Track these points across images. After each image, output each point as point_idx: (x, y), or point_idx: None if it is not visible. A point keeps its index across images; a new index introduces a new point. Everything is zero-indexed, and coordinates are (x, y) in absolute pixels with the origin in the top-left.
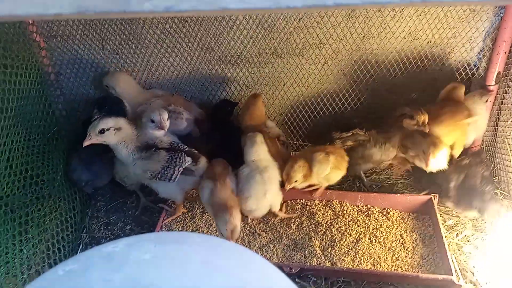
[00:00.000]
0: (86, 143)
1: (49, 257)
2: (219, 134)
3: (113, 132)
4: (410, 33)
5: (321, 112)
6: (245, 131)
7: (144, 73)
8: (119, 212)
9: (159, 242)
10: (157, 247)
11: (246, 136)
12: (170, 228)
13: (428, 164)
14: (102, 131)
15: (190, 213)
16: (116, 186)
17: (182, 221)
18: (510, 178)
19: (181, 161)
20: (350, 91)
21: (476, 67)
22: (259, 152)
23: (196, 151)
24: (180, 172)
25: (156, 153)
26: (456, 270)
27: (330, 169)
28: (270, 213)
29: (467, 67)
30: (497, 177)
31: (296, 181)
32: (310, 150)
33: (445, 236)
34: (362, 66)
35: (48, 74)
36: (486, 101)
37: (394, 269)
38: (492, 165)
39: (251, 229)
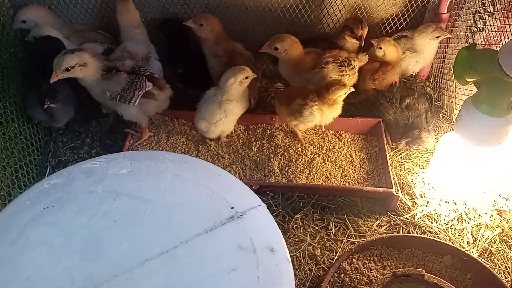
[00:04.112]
0: (53, 80)
1: (19, 179)
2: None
3: (78, 68)
4: None
5: None
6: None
7: None
8: (83, 136)
9: (134, 159)
10: (133, 163)
11: (233, 68)
12: None
13: None
14: (67, 69)
15: (155, 137)
16: (78, 114)
17: (148, 145)
18: (452, 102)
19: (141, 85)
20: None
21: None
22: (232, 86)
23: (158, 76)
24: (140, 96)
25: (117, 75)
26: (395, 184)
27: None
28: (233, 137)
29: None
30: (441, 101)
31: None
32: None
33: (389, 155)
34: None
35: None
36: (437, 37)
37: (343, 184)
38: (438, 90)
39: (214, 152)
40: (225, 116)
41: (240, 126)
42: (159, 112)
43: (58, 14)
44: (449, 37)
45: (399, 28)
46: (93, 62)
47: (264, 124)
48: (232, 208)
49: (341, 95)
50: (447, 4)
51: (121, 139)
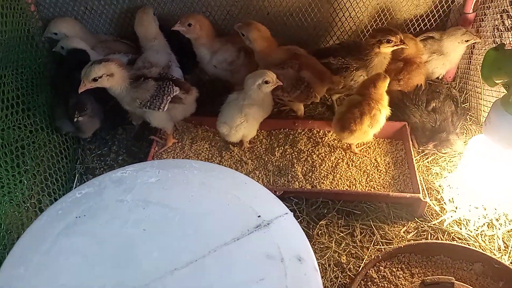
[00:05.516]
0: (81, 90)
1: (48, 186)
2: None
3: (105, 79)
4: None
5: None
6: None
7: None
8: (109, 144)
9: (162, 168)
10: (161, 172)
11: (255, 72)
12: (161, 158)
13: None
14: (95, 79)
15: (179, 144)
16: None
17: (173, 151)
18: (479, 104)
19: (169, 90)
20: None
21: None
22: (254, 91)
23: (184, 81)
24: (168, 101)
25: (145, 83)
26: (423, 189)
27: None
28: (256, 142)
29: None
30: (468, 103)
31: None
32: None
33: (416, 159)
34: None
35: (28, 4)
36: (467, 41)
37: (368, 189)
38: (465, 91)
39: (237, 157)
40: (245, 120)
41: (262, 131)
42: (187, 116)
43: (85, 25)
44: (479, 42)
45: (424, 29)
46: (119, 72)
47: (287, 129)
48: (259, 216)
49: (386, 87)
50: (473, 4)
51: (147, 146)
